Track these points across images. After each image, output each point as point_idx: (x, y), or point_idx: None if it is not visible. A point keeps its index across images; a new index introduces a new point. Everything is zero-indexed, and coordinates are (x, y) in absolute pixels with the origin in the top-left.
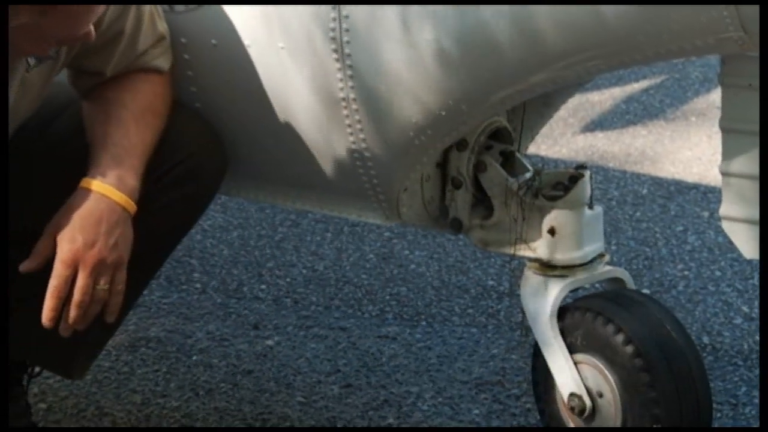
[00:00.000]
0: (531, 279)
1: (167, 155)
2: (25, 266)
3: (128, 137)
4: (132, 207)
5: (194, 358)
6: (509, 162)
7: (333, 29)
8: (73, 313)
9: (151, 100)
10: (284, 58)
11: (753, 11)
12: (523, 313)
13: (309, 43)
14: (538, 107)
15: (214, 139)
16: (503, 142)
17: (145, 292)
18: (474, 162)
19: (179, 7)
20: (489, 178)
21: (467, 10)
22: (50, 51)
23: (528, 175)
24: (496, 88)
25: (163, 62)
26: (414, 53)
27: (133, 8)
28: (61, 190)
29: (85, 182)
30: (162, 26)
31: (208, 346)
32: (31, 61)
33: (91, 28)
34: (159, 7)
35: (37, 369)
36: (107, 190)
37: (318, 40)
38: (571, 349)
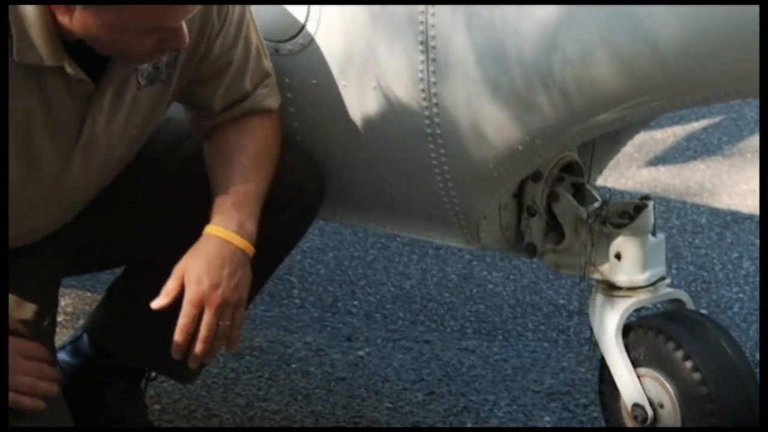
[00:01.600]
0: (598, 299)
1: (275, 183)
2: (156, 304)
3: (248, 184)
4: (251, 250)
5: (293, 366)
6: (580, 192)
7: (421, 71)
8: (199, 347)
9: (267, 144)
10: (377, 96)
11: None
12: (591, 329)
13: (399, 83)
14: (607, 143)
15: (314, 169)
16: (574, 174)
17: (251, 306)
18: (548, 192)
19: (283, 50)
20: (561, 207)
21: (543, 54)
22: (158, 61)
23: (597, 204)
24: (568, 126)
25: (272, 102)
26: (494, 93)
27: (241, 42)
28: (180, 219)
29: (209, 229)
30: (268, 64)
31: (305, 355)
32: (142, 80)
33: (185, 31)
34: (265, 47)
35: (153, 374)
36: (230, 236)
37: (407, 81)
38: (635, 363)
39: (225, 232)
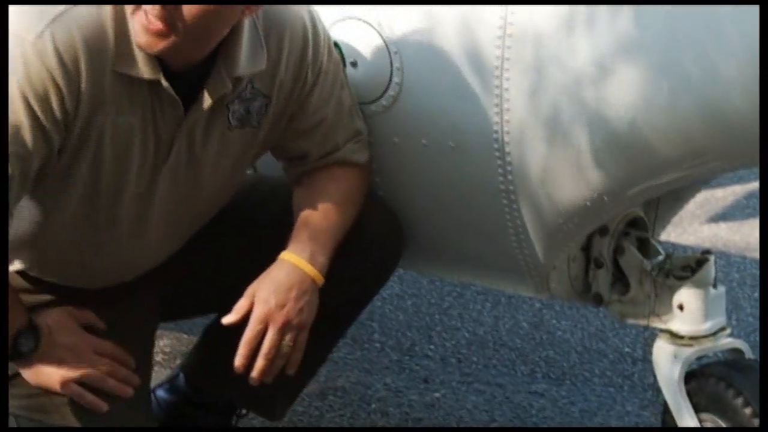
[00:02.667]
0: (662, 347)
1: (357, 234)
2: (226, 320)
3: (326, 221)
4: (320, 279)
5: (373, 406)
6: (644, 246)
7: (496, 131)
8: (260, 362)
9: (350, 192)
10: (454, 154)
11: None
12: (655, 376)
13: (475, 142)
14: (670, 200)
15: (395, 222)
16: (639, 229)
17: (335, 348)
18: (614, 246)
19: (368, 111)
20: (627, 260)
21: (610, 118)
22: (249, 105)
23: (660, 258)
24: (634, 184)
25: (360, 157)
26: (565, 153)
27: (334, 100)
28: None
29: (283, 255)
30: (360, 124)
31: (384, 396)
32: (234, 121)
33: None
34: (358, 105)
35: (244, 411)
36: (301, 264)
37: (483, 140)
38: (696, 409)
39: (298, 259)
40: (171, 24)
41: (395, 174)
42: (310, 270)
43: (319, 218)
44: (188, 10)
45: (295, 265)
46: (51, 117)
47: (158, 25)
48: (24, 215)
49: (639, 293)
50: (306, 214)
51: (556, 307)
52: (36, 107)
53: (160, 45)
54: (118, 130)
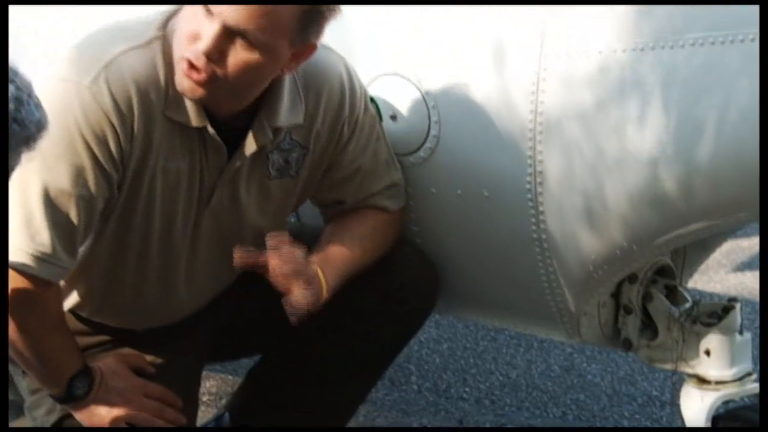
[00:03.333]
0: (689, 391)
1: (394, 280)
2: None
3: (341, 249)
4: (326, 289)
5: None
6: (672, 294)
7: (529, 182)
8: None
9: (372, 232)
10: (489, 204)
11: None
12: (683, 419)
13: (509, 193)
14: (697, 249)
15: (431, 269)
16: (667, 277)
17: (373, 389)
18: (642, 293)
19: (407, 162)
20: (655, 307)
21: (639, 173)
22: (287, 155)
23: (688, 305)
24: (662, 234)
25: (392, 204)
26: (595, 203)
27: (370, 152)
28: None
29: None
30: (396, 174)
31: None
32: (273, 171)
33: (207, 39)
34: (394, 157)
35: None
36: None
37: (517, 191)
38: None
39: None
40: (212, 75)
41: (432, 223)
42: (322, 275)
43: (336, 245)
44: (231, 63)
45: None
46: (109, 156)
47: (201, 76)
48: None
49: (667, 339)
50: (326, 242)
51: (586, 352)
52: (95, 148)
53: (199, 93)
54: (167, 173)
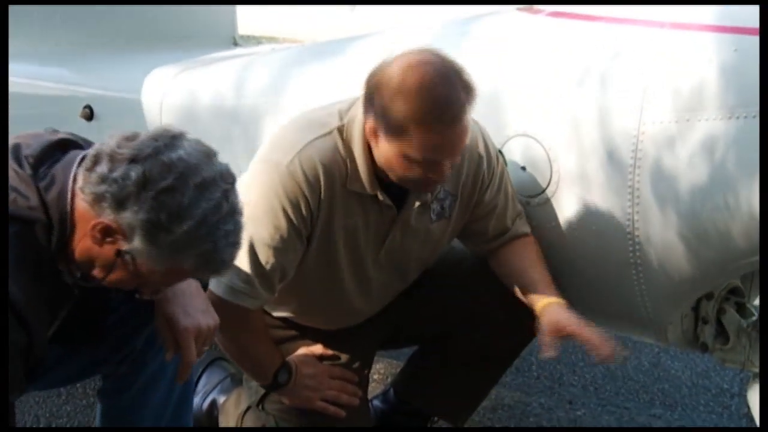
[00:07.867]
0: (754, 387)
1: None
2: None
3: (542, 274)
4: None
5: (531, 419)
6: (741, 309)
7: (628, 217)
8: None
9: (534, 255)
10: (595, 235)
11: None
12: (749, 407)
13: (611, 225)
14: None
15: None
16: (738, 295)
17: (503, 375)
18: (717, 308)
19: (533, 203)
20: (727, 319)
21: (721, 210)
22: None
23: (754, 318)
24: (735, 261)
25: (526, 228)
26: (683, 235)
27: (503, 191)
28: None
29: (550, 300)
30: (519, 206)
31: (539, 413)
32: (434, 216)
33: (447, 169)
34: (517, 194)
35: (435, 418)
36: (560, 302)
37: (618, 223)
38: None
39: (558, 301)
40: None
41: (550, 250)
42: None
43: (538, 271)
44: (453, 160)
45: (559, 304)
46: (300, 217)
47: (442, 179)
48: (293, 281)
49: (737, 344)
50: (529, 276)
51: (671, 352)
52: (291, 214)
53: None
54: (348, 229)
